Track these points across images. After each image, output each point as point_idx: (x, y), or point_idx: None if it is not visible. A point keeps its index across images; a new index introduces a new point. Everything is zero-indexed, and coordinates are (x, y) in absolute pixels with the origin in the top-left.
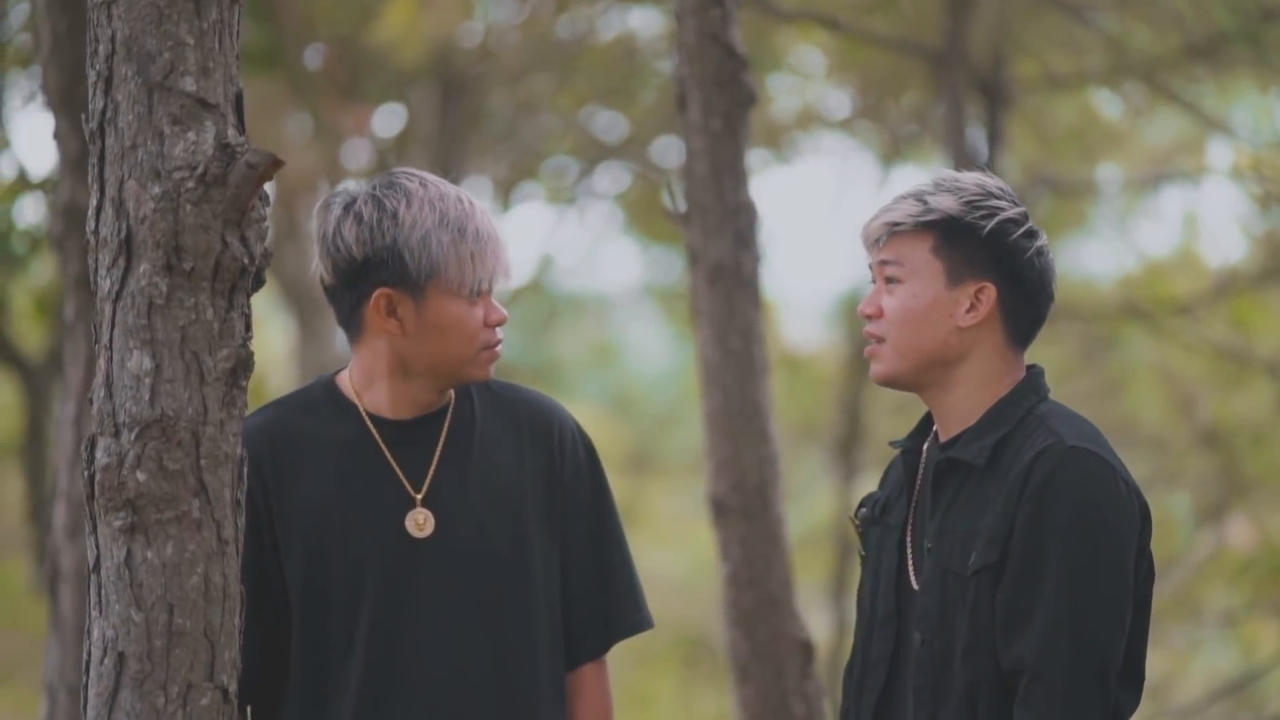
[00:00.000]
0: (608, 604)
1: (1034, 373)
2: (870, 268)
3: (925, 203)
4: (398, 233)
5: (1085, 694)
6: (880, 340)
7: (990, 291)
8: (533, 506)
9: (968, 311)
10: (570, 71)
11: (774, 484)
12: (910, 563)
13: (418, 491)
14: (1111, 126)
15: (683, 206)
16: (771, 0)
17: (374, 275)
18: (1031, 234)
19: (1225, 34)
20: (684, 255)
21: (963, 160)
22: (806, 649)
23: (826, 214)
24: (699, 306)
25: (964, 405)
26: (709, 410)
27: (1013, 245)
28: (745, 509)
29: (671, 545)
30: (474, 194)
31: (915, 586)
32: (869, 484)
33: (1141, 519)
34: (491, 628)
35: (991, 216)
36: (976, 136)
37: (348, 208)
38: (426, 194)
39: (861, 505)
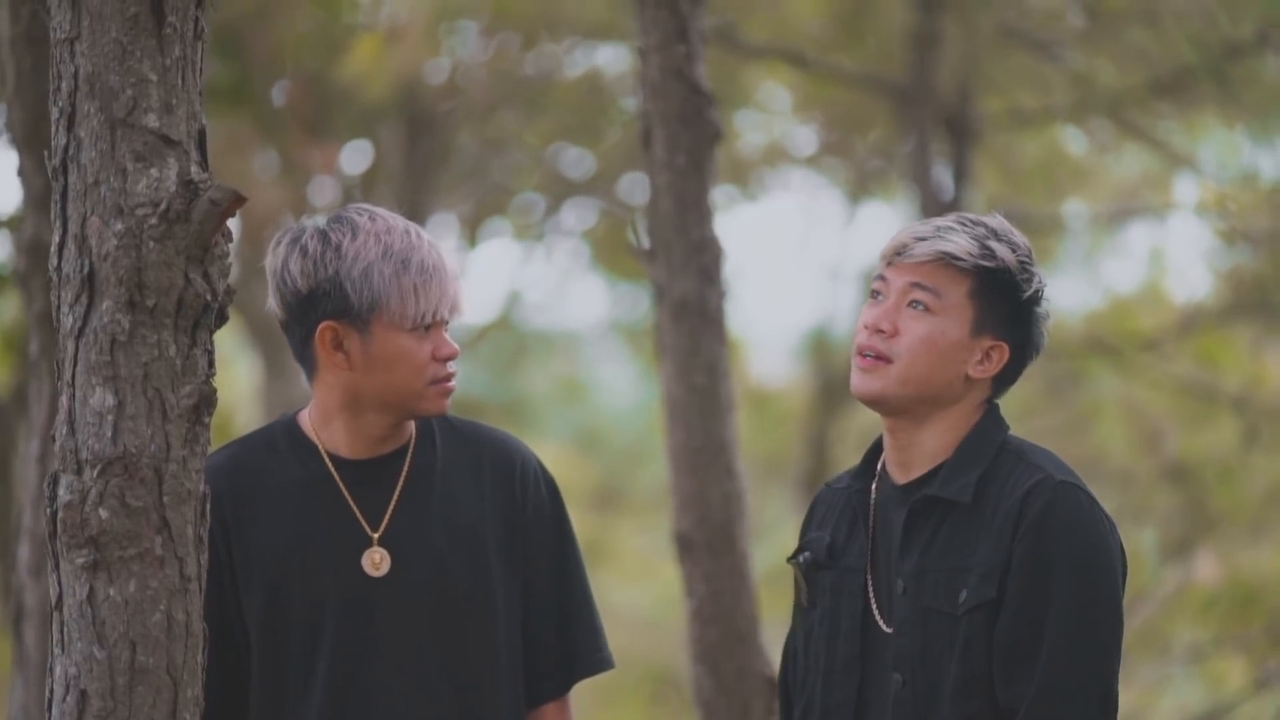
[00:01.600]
0: (569, 643)
1: (993, 407)
2: (883, 279)
3: (988, 248)
4: (340, 265)
5: (1101, 715)
6: (885, 359)
7: (1003, 351)
8: (494, 545)
9: (979, 363)
10: (537, 108)
11: (739, 520)
12: (874, 604)
13: (375, 530)
14: (1078, 162)
15: (647, 243)
16: (737, 37)
17: (319, 308)
18: (1046, 308)
19: (1191, 70)
20: (650, 291)
21: (929, 197)
22: (771, 685)
23: (793, 250)
24: (664, 342)
25: (932, 443)
26: (673, 446)
27: (1039, 315)
28: (710, 545)
29: (638, 582)
30: (440, 230)
31: (886, 628)
32: None
33: (1123, 553)
34: (451, 667)
35: (1032, 281)
36: (943, 173)
37: (294, 241)
38: (374, 227)
39: (802, 549)
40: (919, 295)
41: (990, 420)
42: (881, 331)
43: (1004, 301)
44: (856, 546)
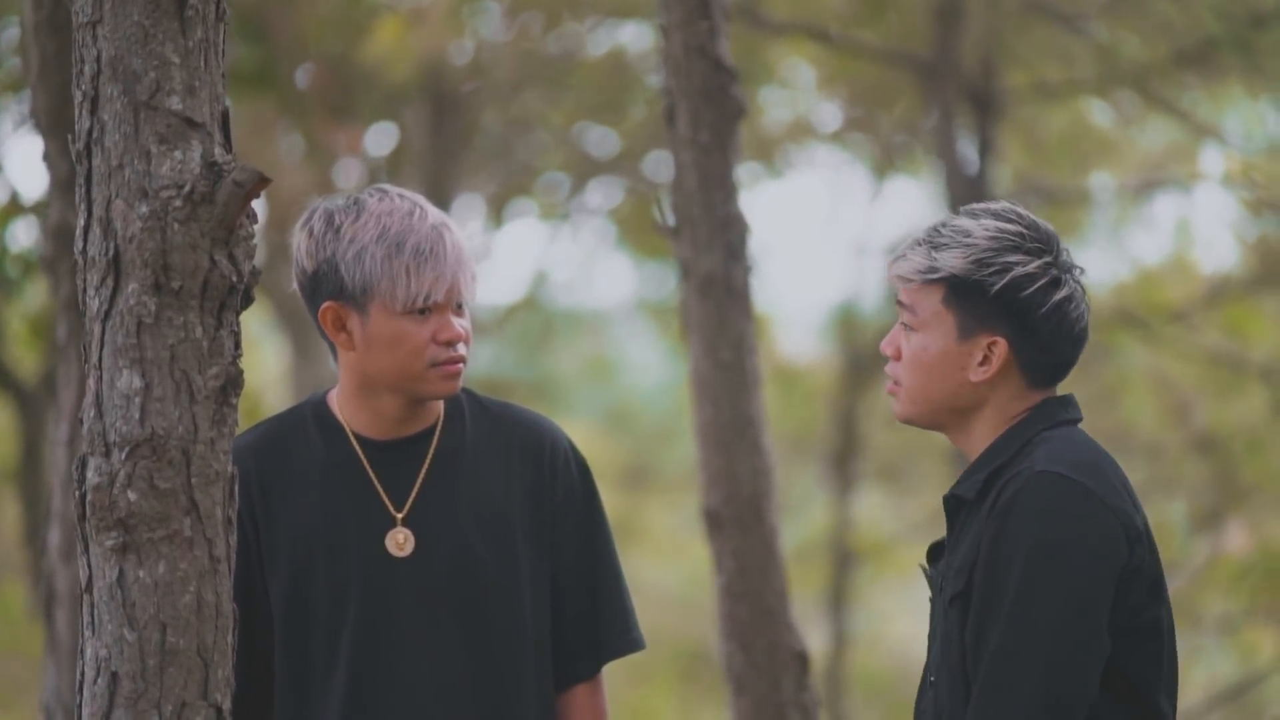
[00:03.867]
0: (599, 624)
1: (1046, 402)
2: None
3: (933, 259)
4: (337, 246)
5: (1030, 712)
6: (898, 383)
7: (1001, 346)
8: (521, 526)
9: (980, 365)
10: (561, 87)
11: (768, 495)
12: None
13: (400, 511)
14: (1103, 135)
15: (672, 220)
16: (761, 13)
17: (322, 289)
18: (1053, 284)
19: (1215, 41)
20: (676, 269)
21: (954, 170)
22: (802, 660)
23: (819, 226)
24: (690, 319)
25: (983, 443)
26: (701, 423)
27: (1025, 301)
28: (739, 521)
29: (668, 560)
30: (465, 211)
31: None
32: (864, 496)
33: (1129, 542)
34: (476, 647)
35: (1004, 273)
36: (968, 147)
37: (305, 222)
38: (379, 208)
39: (930, 550)
40: (905, 317)
41: (1034, 417)
42: (889, 356)
43: (981, 300)
44: (944, 548)
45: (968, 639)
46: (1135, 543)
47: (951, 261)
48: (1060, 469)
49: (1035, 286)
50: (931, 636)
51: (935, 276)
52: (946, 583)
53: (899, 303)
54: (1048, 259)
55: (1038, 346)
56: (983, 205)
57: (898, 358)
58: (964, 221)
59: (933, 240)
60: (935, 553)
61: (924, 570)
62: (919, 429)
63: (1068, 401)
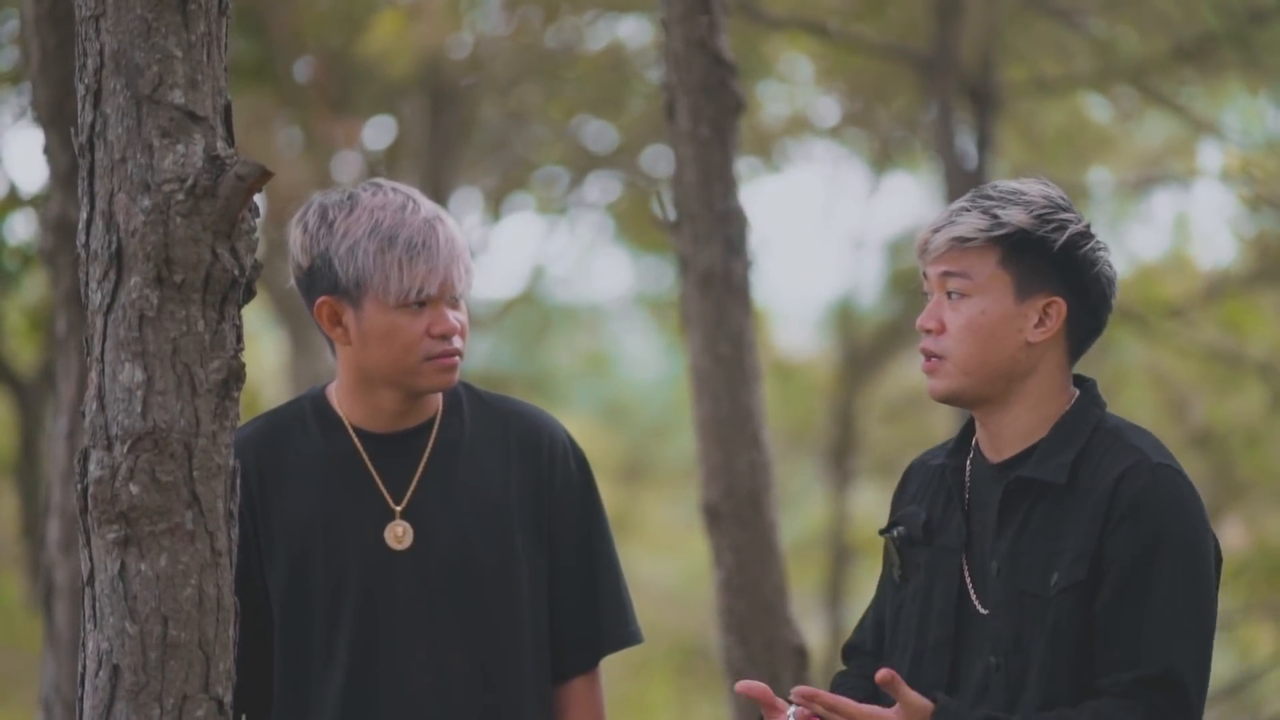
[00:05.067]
0: (597, 618)
1: (1090, 385)
2: (925, 278)
3: (995, 216)
4: (330, 241)
5: (1199, 700)
6: (940, 357)
7: (1060, 306)
8: (519, 519)
9: (1037, 326)
10: (560, 81)
11: (766, 490)
12: (970, 586)
13: (398, 504)
14: (1101, 130)
15: (672, 215)
16: (760, 7)
17: (317, 284)
18: (1099, 246)
19: (1214, 36)
20: (675, 263)
21: (953, 166)
22: (801, 655)
23: (817, 222)
24: (689, 313)
25: (1021, 421)
26: (700, 417)
27: (1082, 259)
28: (738, 515)
29: (666, 554)
30: (463, 205)
31: (982, 610)
32: (862, 491)
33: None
34: (474, 640)
35: (1062, 230)
36: (966, 142)
37: (300, 217)
38: (372, 202)
39: (897, 522)
40: (952, 284)
41: (1087, 399)
42: (929, 331)
43: (1040, 258)
44: (953, 525)
45: (1102, 627)
46: None
47: (1016, 216)
48: (1172, 464)
49: (1089, 245)
50: (938, 619)
51: (1001, 232)
52: (1025, 569)
53: (945, 274)
54: (1088, 222)
55: (1089, 308)
56: (1014, 179)
57: (940, 331)
58: (1011, 184)
59: (985, 203)
60: (924, 527)
61: (893, 541)
62: (956, 406)
63: (1096, 385)
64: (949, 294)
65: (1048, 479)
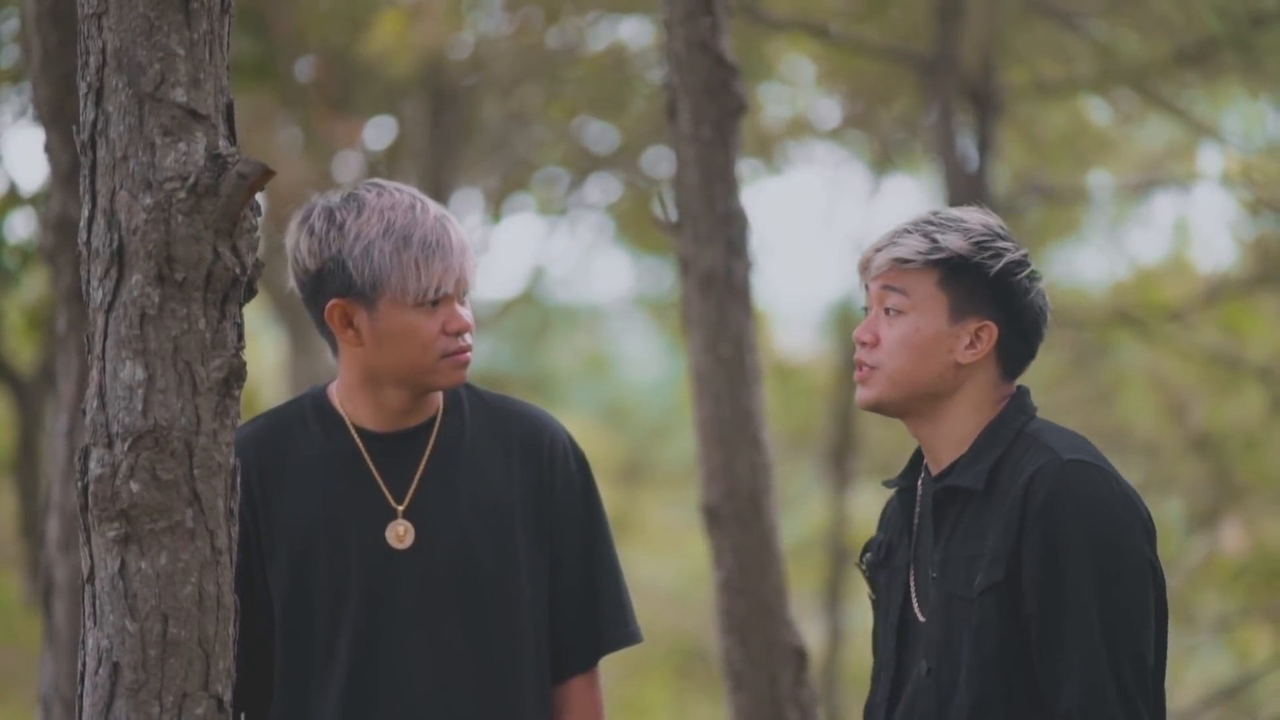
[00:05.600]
0: (596, 617)
1: (1020, 392)
2: (865, 292)
3: (935, 241)
4: (342, 244)
5: (1143, 687)
6: (873, 368)
7: (991, 330)
8: (520, 519)
9: (967, 348)
10: (561, 82)
11: (767, 491)
12: (914, 597)
13: (400, 503)
14: (1102, 133)
15: (674, 216)
16: (761, 9)
17: (327, 287)
18: (1034, 276)
19: (1215, 40)
20: (675, 265)
21: (954, 168)
22: (800, 656)
23: (818, 224)
24: (690, 314)
25: (953, 434)
26: (701, 418)
27: (1016, 286)
28: (738, 516)
29: (665, 555)
30: (464, 205)
31: (921, 618)
32: (862, 493)
33: (1146, 523)
34: (475, 640)
35: (999, 257)
36: (967, 144)
37: (304, 220)
38: (379, 203)
39: (866, 550)
40: (891, 300)
41: (1014, 407)
42: (865, 344)
43: (976, 283)
44: (903, 545)
45: (1035, 640)
46: (1150, 525)
47: (955, 242)
48: (1083, 456)
49: (1024, 273)
50: (883, 635)
51: (938, 256)
52: (953, 574)
53: (885, 288)
54: (1025, 252)
55: (1020, 333)
56: (956, 208)
57: (875, 344)
58: (952, 211)
59: (926, 228)
60: (885, 551)
61: (861, 569)
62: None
63: (1028, 393)
64: (887, 310)
65: (967, 485)
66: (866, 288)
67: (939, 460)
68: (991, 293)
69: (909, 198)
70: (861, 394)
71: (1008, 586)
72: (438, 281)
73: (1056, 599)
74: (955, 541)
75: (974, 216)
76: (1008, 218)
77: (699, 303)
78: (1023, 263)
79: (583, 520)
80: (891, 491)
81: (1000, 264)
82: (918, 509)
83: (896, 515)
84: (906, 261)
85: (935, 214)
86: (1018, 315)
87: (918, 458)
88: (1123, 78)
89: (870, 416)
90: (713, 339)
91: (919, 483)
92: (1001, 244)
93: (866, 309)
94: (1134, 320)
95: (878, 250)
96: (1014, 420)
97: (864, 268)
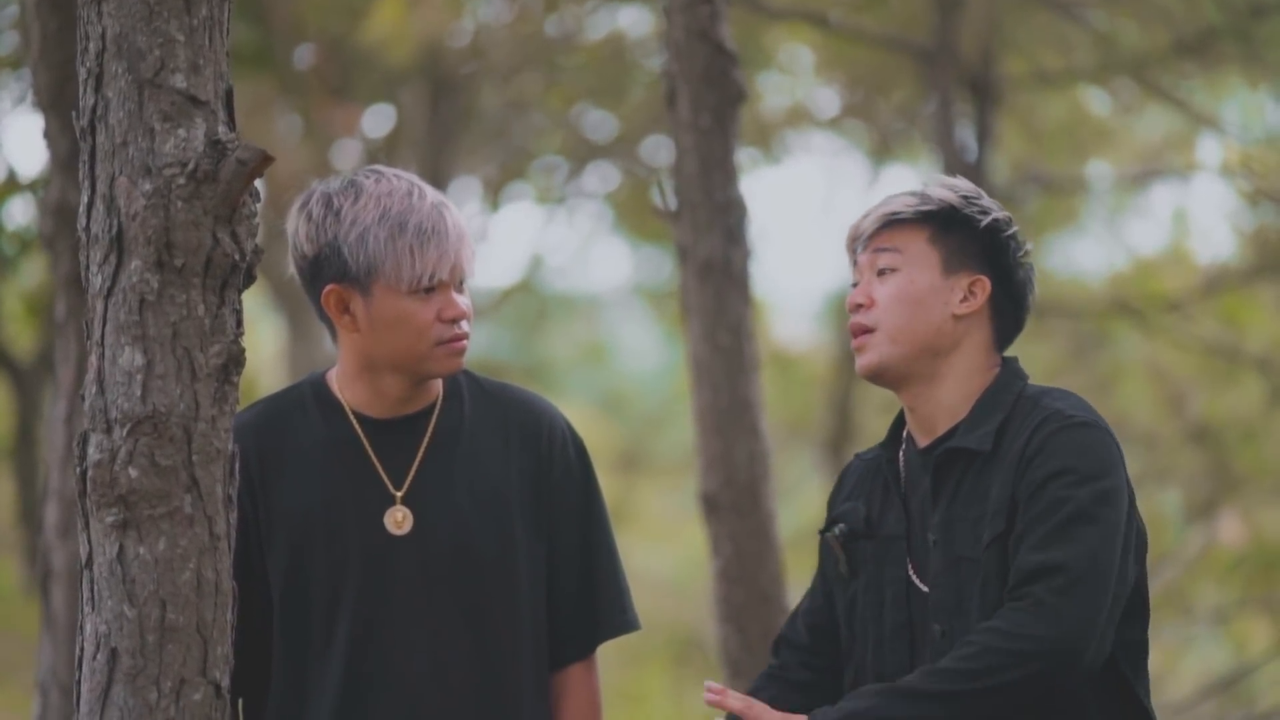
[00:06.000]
0: (594, 605)
1: (1011, 360)
2: (856, 267)
3: (925, 195)
4: (338, 230)
5: (1095, 588)
6: (869, 330)
7: (984, 284)
8: (518, 506)
9: (962, 301)
10: (560, 70)
11: (765, 480)
12: (912, 568)
13: (398, 489)
14: (1101, 123)
15: (673, 204)
16: None
17: (324, 272)
18: (1023, 241)
19: (1215, 30)
20: (673, 254)
21: (952, 158)
22: None
23: (816, 213)
24: (689, 303)
25: (947, 399)
26: (699, 407)
27: (1005, 242)
28: (736, 505)
29: (662, 544)
30: (462, 193)
31: (924, 588)
32: None
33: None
34: (473, 625)
35: (986, 213)
36: (966, 134)
37: (303, 205)
38: (377, 190)
39: (835, 521)
40: (883, 260)
41: (1008, 373)
42: (860, 306)
43: (968, 237)
44: (892, 515)
45: (1018, 548)
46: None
47: (943, 194)
48: (1088, 418)
49: (1011, 231)
50: (891, 606)
51: (929, 208)
52: (958, 537)
53: (877, 250)
54: (1010, 217)
55: (1011, 294)
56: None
57: (871, 305)
58: (941, 177)
59: (914, 188)
60: (866, 521)
61: (835, 541)
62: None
63: (1018, 360)
64: (879, 272)
65: (973, 447)
66: (855, 263)
67: (932, 429)
68: (981, 246)
69: (908, 187)
70: (861, 361)
71: (1009, 534)
72: (432, 268)
73: (1037, 514)
74: (958, 505)
75: (963, 183)
76: (1006, 207)
77: (697, 291)
78: (1010, 223)
79: (581, 507)
80: (846, 463)
81: (989, 219)
82: (903, 480)
83: (873, 485)
84: (897, 215)
85: (924, 183)
86: (1008, 273)
87: (896, 429)
88: (1122, 68)
89: (867, 405)
90: (711, 328)
91: (901, 454)
92: (988, 202)
93: (855, 283)
94: (1133, 311)
95: (866, 216)
96: (1011, 385)
97: (854, 236)
